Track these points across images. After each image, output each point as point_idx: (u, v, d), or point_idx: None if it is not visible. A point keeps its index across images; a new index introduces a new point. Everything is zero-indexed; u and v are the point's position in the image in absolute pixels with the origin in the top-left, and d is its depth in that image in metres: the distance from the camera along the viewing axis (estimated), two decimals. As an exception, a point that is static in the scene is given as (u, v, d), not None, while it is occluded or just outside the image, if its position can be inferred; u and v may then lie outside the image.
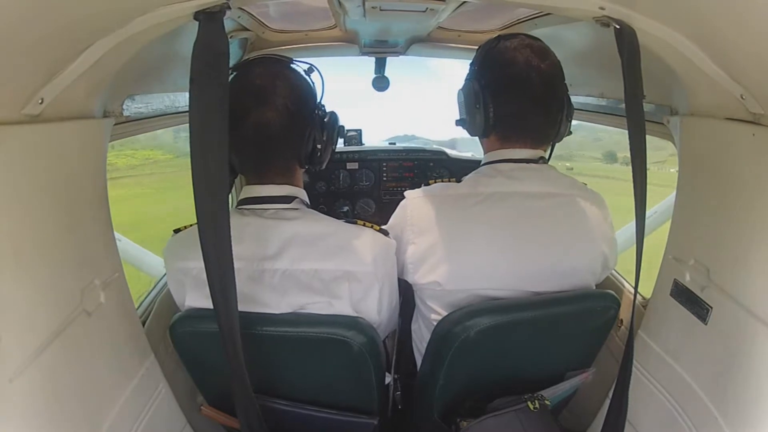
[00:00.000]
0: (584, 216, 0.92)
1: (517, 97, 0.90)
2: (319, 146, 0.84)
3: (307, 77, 0.87)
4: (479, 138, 1.00)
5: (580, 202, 0.93)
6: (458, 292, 0.88)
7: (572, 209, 0.91)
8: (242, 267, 0.77)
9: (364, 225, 0.86)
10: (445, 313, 0.88)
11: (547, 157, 0.97)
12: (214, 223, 0.57)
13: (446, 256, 0.87)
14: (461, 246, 0.87)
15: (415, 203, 0.92)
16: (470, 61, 0.99)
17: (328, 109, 0.88)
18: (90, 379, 0.71)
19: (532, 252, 0.87)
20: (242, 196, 0.85)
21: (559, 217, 0.89)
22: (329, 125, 0.86)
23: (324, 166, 0.88)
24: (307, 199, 0.88)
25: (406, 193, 0.96)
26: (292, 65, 0.86)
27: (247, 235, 0.79)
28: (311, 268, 0.79)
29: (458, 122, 1.01)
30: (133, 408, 0.81)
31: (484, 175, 0.93)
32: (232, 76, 0.83)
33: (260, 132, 0.80)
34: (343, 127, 0.92)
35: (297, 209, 0.84)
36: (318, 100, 0.87)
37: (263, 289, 0.79)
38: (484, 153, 0.99)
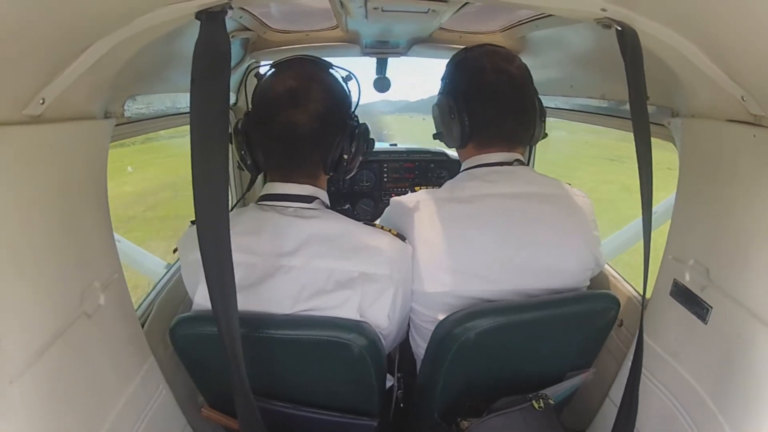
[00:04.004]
0: (568, 214, 0.92)
1: (491, 104, 0.92)
2: (346, 156, 0.83)
3: (344, 84, 0.85)
4: (457, 149, 1.01)
5: (563, 200, 0.93)
6: (440, 295, 0.88)
7: (554, 208, 0.91)
8: (257, 262, 0.77)
9: (382, 229, 0.85)
10: (433, 317, 0.88)
11: (525, 160, 0.98)
12: (214, 224, 0.56)
13: (425, 262, 0.88)
14: (438, 249, 0.87)
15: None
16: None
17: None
18: (90, 381, 0.70)
19: (513, 251, 0.87)
20: (264, 192, 0.85)
21: (541, 215, 0.89)
22: (360, 136, 0.85)
23: (349, 177, 0.88)
24: (327, 201, 0.87)
25: (392, 201, 0.97)
26: (330, 70, 0.84)
27: (266, 230, 0.79)
28: (327, 266, 0.78)
29: (436, 136, 1.03)
30: (133, 410, 0.80)
31: (460, 180, 0.95)
32: (270, 72, 0.83)
33: (289, 133, 0.79)
34: (373, 140, 0.90)
35: (317, 209, 0.83)
36: (352, 110, 0.86)
37: (276, 285, 0.78)
38: (462, 161, 1.00)
